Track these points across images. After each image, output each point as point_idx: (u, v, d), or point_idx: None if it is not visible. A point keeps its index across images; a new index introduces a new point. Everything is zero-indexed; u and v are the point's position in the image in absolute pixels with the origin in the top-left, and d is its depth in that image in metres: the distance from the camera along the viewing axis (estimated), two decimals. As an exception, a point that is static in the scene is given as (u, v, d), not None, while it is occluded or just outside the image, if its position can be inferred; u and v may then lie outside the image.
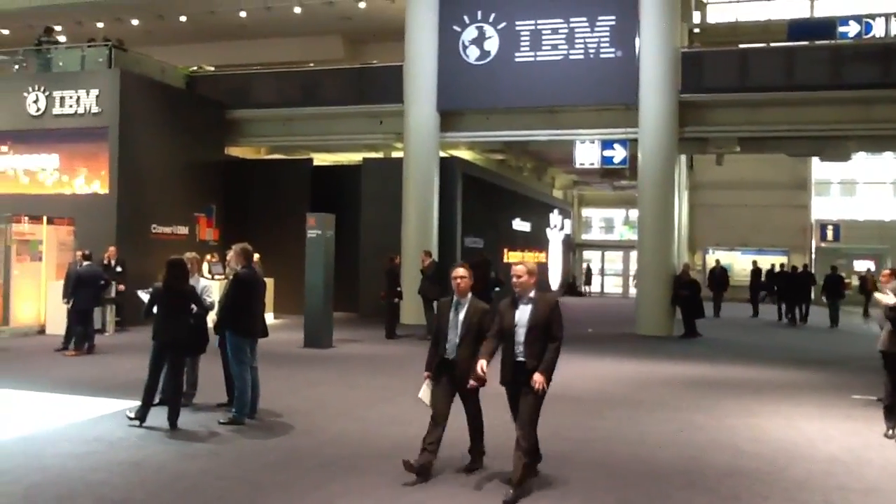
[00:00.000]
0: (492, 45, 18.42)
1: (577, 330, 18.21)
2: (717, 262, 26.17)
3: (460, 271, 5.88)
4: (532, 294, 5.52)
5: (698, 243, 32.30)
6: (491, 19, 18.42)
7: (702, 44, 24.74)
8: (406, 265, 16.86)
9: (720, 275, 23.94)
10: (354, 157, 21.98)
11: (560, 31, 18.04)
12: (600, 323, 20.00)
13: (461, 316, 5.78)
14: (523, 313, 5.46)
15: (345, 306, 18.15)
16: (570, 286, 33.42)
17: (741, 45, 20.62)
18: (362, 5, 20.99)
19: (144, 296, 8.08)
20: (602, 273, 36.11)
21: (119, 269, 14.68)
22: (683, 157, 22.96)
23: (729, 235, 31.77)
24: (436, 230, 18.48)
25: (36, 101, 17.30)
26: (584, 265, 35.58)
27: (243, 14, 21.36)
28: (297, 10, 21.11)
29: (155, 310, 7.54)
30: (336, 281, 13.93)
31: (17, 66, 19.66)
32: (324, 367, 11.51)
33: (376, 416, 8.13)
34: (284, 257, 16.79)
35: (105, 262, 14.46)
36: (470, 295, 5.88)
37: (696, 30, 26.71)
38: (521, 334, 5.45)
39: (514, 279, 5.55)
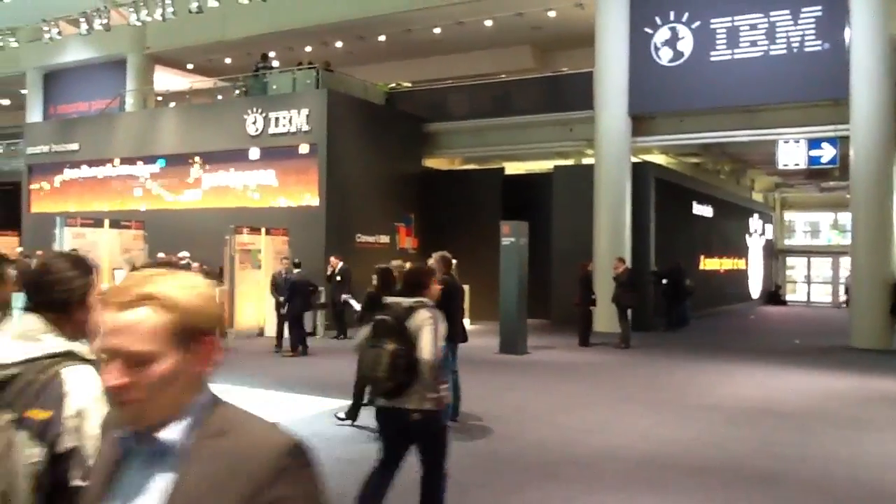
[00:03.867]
0: (685, 45, 17.89)
1: (782, 341, 17.25)
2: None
3: None
4: None
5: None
6: (684, 19, 17.91)
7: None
8: (599, 272, 16.74)
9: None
10: (545, 165, 22.12)
11: (759, 26, 17.19)
12: (808, 334, 18.76)
13: None
14: None
15: (538, 313, 18.30)
16: (773, 295, 31.55)
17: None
18: (552, 14, 21.09)
19: (351, 301, 8.61)
20: (808, 281, 33.76)
21: (339, 277, 15.25)
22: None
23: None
24: (628, 236, 18.20)
25: (255, 123, 18.95)
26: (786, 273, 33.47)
27: (437, 30, 22.15)
28: (488, 23, 21.57)
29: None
30: (529, 288, 14.12)
31: (237, 91, 21.70)
32: (520, 373, 11.72)
33: (574, 423, 8.19)
34: (478, 264, 17.21)
35: (329, 272, 15.39)
36: None
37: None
38: None
39: None
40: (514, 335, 13.64)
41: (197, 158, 19.90)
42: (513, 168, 22.86)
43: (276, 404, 9.05)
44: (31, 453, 1.79)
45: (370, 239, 18.79)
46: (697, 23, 17.72)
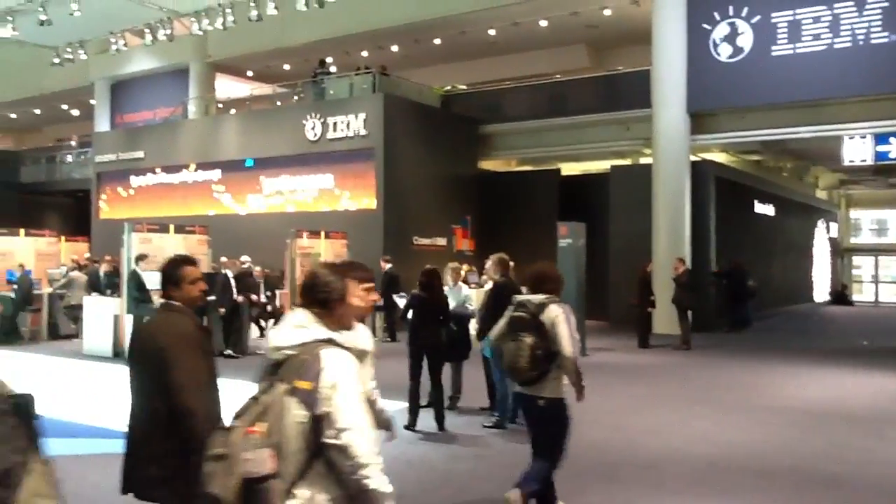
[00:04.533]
0: (745, 40, 17.57)
1: (850, 342, 16.79)
2: None
3: None
4: None
5: None
6: (743, 14, 17.58)
7: None
8: (658, 273, 16.53)
9: None
10: (602, 165, 21.95)
11: (822, 19, 16.77)
12: (876, 335, 18.22)
13: None
14: None
15: (596, 314, 18.17)
16: (839, 295, 30.67)
17: None
18: (607, 13, 20.93)
19: (401, 301, 8.72)
20: (875, 280, 32.70)
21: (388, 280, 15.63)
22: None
23: None
24: (688, 237, 17.94)
25: (313, 128, 19.27)
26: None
27: (492, 32, 22.17)
28: (543, 23, 21.50)
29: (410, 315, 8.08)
30: (587, 289, 14.03)
31: (296, 97, 22.09)
32: (578, 375, 11.65)
33: (636, 425, 8.14)
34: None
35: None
36: None
37: None
38: None
39: None
40: (572, 337, 13.52)
41: (258, 163, 20.34)
42: (569, 168, 22.74)
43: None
44: (299, 414, 2.43)
45: (427, 241, 18.93)
46: (757, 17, 17.39)
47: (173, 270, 3.51)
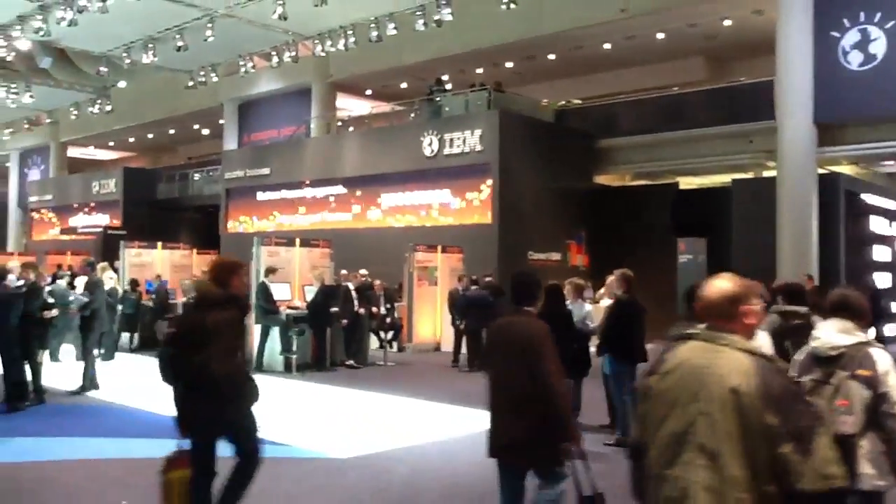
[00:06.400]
0: (878, 47, 16.78)
1: None
2: None
3: None
4: None
5: None
6: (876, 20, 16.80)
7: None
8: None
9: None
10: (721, 179, 21.38)
11: (963, 23, 15.85)
12: None
13: None
14: None
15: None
16: None
17: None
18: (727, 23, 20.43)
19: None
20: None
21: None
22: None
23: None
24: (815, 253, 17.21)
25: (430, 144, 19.70)
26: None
27: (607, 46, 22.05)
28: (660, 35, 21.22)
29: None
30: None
31: (412, 115, 22.63)
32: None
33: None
34: (651, 282, 16.89)
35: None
36: None
37: None
38: None
39: None
40: (692, 355, 13.24)
41: (377, 179, 20.96)
42: (686, 183, 22.27)
43: (455, 419, 9.38)
44: (864, 394, 3.62)
45: (542, 256, 18.94)
46: (892, 23, 16.59)
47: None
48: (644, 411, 2.65)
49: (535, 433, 4.18)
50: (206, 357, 4.34)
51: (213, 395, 4.39)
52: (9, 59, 22.32)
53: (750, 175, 21.11)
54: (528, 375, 4.17)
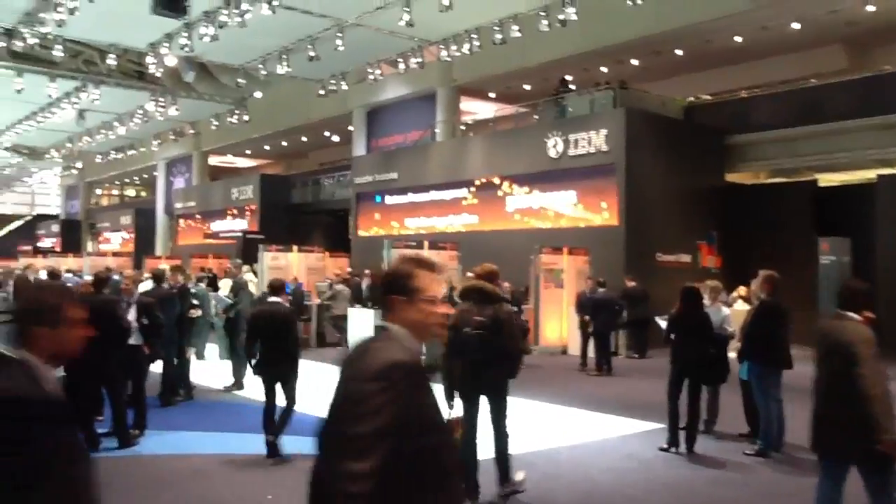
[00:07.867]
0: None
1: None
2: None
3: None
4: None
5: None
6: None
7: None
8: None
9: None
10: (865, 175, 20.17)
11: None
12: None
13: None
14: None
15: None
16: None
17: None
18: (871, 8, 19.25)
19: (662, 322, 8.66)
20: None
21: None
22: None
23: None
24: (973, 252, 16.01)
25: (555, 146, 19.64)
26: None
27: (738, 38, 21.24)
28: (796, 25, 20.25)
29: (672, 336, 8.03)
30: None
31: (536, 116, 22.60)
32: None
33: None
34: (789, 284, 16.13)
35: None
36: None
37: None
38: None
39: None
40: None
41: (503, 181, 21.09)
42: (826, 179, 21.15)
43: (586, 423, 9.36)
44: None
45: (671, 258, 18.51)
46: None
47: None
48: None
49: (855, 432, 4.47)
50: (506, 338, 6.00)
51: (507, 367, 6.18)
52: (157, 74, 23.83)
53: (896, 170, 19.83)
54: (846, 377, 4.53)
